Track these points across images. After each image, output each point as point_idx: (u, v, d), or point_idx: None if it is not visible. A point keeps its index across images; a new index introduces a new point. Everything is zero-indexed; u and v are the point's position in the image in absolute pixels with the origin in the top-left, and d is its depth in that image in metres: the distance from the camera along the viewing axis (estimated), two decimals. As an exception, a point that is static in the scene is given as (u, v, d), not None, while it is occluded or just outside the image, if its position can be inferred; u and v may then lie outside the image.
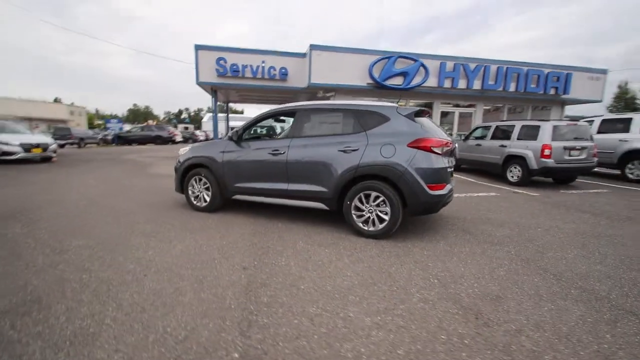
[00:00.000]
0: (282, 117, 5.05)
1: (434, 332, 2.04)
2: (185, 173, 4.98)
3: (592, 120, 9.80)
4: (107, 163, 11.95)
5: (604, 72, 14.76)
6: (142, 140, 25.65)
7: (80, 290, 2.46)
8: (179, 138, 29.17)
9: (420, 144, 3.58)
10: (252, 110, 64.98)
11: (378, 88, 12.45)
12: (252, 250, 3.37)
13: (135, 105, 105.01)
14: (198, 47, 12.27)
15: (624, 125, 9.06)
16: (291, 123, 4.33)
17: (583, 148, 7.65)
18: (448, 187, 3.78)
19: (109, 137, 25.76)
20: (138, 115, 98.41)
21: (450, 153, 3.98)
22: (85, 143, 23.52)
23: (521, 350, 1.89)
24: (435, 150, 3.60)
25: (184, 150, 5.12)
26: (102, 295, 2.40)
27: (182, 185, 5.04)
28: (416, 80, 12.62)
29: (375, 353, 1.83)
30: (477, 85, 13.27)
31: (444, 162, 3.69)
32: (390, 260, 3.18)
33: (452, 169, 4.02)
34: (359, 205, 3.83)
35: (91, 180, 7.75)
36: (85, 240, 3.57)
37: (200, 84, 12.92)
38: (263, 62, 12.44)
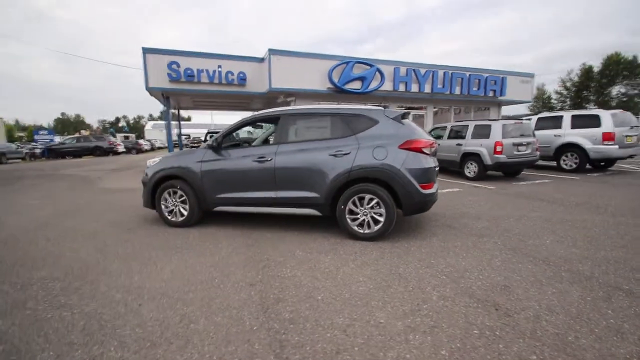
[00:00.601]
0: (259, 123, 4.87)
1: (465, 328, 2.08)
2: (156, 186, 4.55)
3: (530, 119, 10.96)
4: (44, 180, 10.54)
5: (531, 75, 16.65)
6: (79, 153, 23.11)
7: (66, 331, 2.09)
8: (121, 148, 26.81)
9: (411, 146, 3.68)
10: (200, 117, 62.27)
11: (338, 92, 12.66)
12: (250, 265, 3.16)
13: (63, 114, 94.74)
14: (146, 51, 11.40)
15: (557, 122, 10.27)
16: (275, 129, 4.18)
17: (528, 144, 8.52)
18: (435, 185, 3.93)
19: (38, 151, 22.77)
20: (67, 125, 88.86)
21: (434, 153, 4.14)
22: (8, 158, 20.51)
23: (547, 334, 2.00)
24: (425, 150, 3.73)
25: (153, 162, 4.68)
26: (96, 333, 2.07)
27: (152, 199, 4.60)
28: (373, 85, 13.06)
29: (421, 357, 1.80)
30: (427, 88, 14.13)
31: (432, 162, 3.83)
32: (394, 261, 3.20)
33: (438, 168, 4.19)
34: (353, 208, 3.81)
35: (32, 201, 6.74)
36: (50, 269, 3.07)
37: (150, 90, 12.01)
38: (219, 66, 11.95)
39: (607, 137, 9.10)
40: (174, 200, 4.49)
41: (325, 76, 12.42)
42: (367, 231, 3.79)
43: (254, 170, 4.08)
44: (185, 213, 4.44)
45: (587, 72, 48.54)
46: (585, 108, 44.01)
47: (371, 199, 3.73)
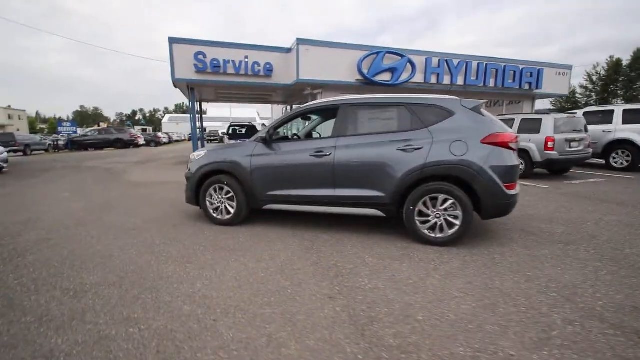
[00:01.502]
0: (311, 115, 4.50)
1: (624, 367, 1.67)
2: (201, 182, 4.25)
3: (575, 113, 10.25)
4: (70, 172, 10.48)
5: (569, 67, 15.72)
6: (100, 145, 23.32)
7: (138, 354, 1.78)
8: (141, 141, 26.97)
9: (496, 140, 3.24)
10: (215, 111, 62.38)
11: (367, 84, 12.15)
12: (320, 272, 2.81)
13: (82, 107, 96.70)
14: (173, 41, 11.14)
15: (606, 117, 9.55)
16: (334, 121, 3.79)
17: (581, 140, 7.89)
18: (518, 186, 3.48)
19: (61, 143, 23.07)
20: (86, 117, 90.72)
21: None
22: (32, 150, 20.82)
23: None
24: (512, 146, 3.28)
25: (198, 155, 4.37)
26: (174, 358, 1.75)
27: (196, 195, 4.30)
28: (404, 77, 12.49)
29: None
30: (460, 80, 13.46)
31: (517, 159, 3.38)
32: (484, 272, 2.79)
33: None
34: (424, 210, 3.41)
35: (64, 193, 6.59)
36: (102, 273, 2.80)
37: (177, 82, 11.77)
38: (246, 57, 11.60)
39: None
40: (220, 196, 4.17)
41: (354, 67, 11.92)
42: (439, 235, 3.39)
43: (310, 166, 3.71)
44: (232, 211, 4.13)
45: (615, 65, 46.27)
46: (612, 103, 42.02)
47: (446, 200, 3.32)
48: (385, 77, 12.31)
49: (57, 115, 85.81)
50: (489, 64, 13.75)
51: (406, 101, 3.58)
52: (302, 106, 4.01)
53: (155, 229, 4.06)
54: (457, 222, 3.32)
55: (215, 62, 11.31)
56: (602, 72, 47.14)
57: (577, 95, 52.06)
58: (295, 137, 4.86)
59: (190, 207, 5.03)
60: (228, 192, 4.12)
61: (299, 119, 4.74)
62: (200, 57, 11.22)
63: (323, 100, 3.97)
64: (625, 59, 45.24)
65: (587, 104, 46.69)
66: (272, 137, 3.99)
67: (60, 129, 24.07)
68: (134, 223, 4.34)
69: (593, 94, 48.16)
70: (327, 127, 6.38)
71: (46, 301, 2.35)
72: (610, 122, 9.45)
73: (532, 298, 2.37)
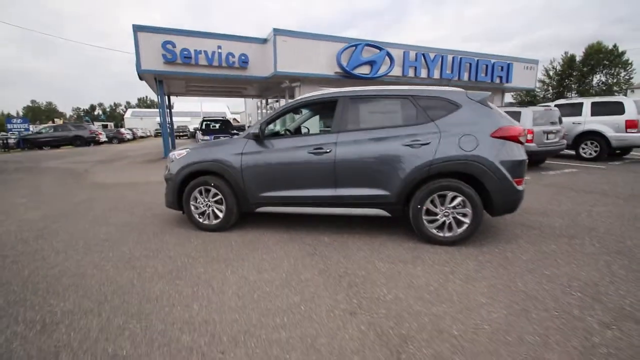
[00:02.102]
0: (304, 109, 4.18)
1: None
2: (184, 184, 3.82)
3: (549, 106, 10.65)
4: (25, 174, 9.43)
5: (536, 62, 16.41)
6: (57, 143, 21.41)
7: (136, 407, 1.43)
8: (103, 138, 25.16)
9: (506, 134, 3.11)
10: (182, 105, 59.67)
11: (346, 77, 11.93)
12: (331, 282, 2.55)
13: (33, 101, 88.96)
14: (138, 29, 10.26)
15: (576, 110, 9.98)
16: (334, 114, 3.51)
17: (557, 131, 8.16)
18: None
19: (12, 141, 20.93)
20: (39, 113, 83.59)
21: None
22: (-24, 150, 18.73)
23: None
24: (521, 139, 3.17)
25: (178, 154, 3.93)
26: (182, 408, 1.42)
27: (179, 199, 3.87)
28: (382, 70, 12.40)
29: None
30: (436, 74, 13.59)
31: (524, 153, 3.28)
32: (503, 274, 2.66)
33: None
34: (432, 208, 3.24)
35: (20, 199, 5.82)
36: (76, 298, 2.36)
37: (143, 73, 10.91)
38: (219, 47, 10.95)
39: (631, 124, 8.87)
40: (206, 200, 3.77)
41: (333, 60, 11.64)
42: (447, 234, 3.24)
43: (309, 164, 3.42)
44: (221, 215, 3.75)
45: (570, 60, 49.29)
46: (567, 97, 44.83)
47: (454, 197, 3.16)
48: (364, 70, 12.16)
49: (5, 112, 78.39)
50: (463, 58, 14.00)
51: (410, 93, 3.37)
52: (297, 99, 3.69)
53: (133, 239, 3.60)
54: (467, 220, 3.18)
55: (185, 53, 10.59)
56: (558, 67, 50.08)
57: (536, 89, 55.18)
58: (288, 132, 4.52)
59: (170, 211, 4.58)
60: (215, 195, 3.74)
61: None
62: (169, 46, 10.46)
63: (320, 92, 3.67)
64: (579, 55, 48.37)
65: (544, 98, 49.47)
66: (265, 133, 3.64)
67: (9, 125, 21.85)
68: (106, 232, 3.84)
69: (550, 88, 51.14)
70: (315, 122, 6.10)
71: (6, 340, 1.90)
72: (579, 114, 9.88)
73: (559, 300, 2.25)
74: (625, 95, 38.57)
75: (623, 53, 45.49)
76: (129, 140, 32.19)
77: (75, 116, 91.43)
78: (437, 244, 3.26)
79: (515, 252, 3.09)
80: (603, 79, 47.10)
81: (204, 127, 15.04)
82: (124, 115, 71.26)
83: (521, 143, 3.20)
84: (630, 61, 44.81)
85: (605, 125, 9.27)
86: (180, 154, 3.90)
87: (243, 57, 11.28)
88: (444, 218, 3.23)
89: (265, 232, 3.78)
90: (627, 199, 5.06)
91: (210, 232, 3.78)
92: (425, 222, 3.27)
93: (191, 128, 35.27)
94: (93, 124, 36.20)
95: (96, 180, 8.09)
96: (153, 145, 22.88)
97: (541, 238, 3.45)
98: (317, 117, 5.33)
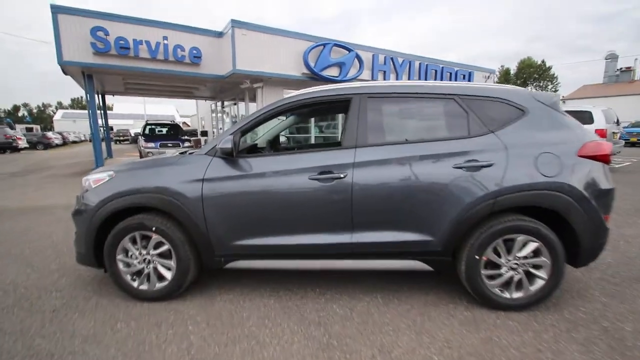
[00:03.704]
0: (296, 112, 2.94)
1: None
2: (106, 226, 2.39)
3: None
4: None
5: (492, 71, 16.83)
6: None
7: None
8: (22, 143, 21.27)
9: (596, 152, 2.20)
10: (123, 107, 54.02)
11: (314, 79, 10.83)
12: None
13: None
14: (57, 10, 8.18)
15: (586, 118, 9.65)
16: (346, 120, 2.35)
17: (618, 132, 8.21)
18: None
19: None
20: (-59, 113, 70.78)
21: None
22: None
23: None
24: (610, 159, 2.29)
25: (95, 181, 2.48)
26: None
27: (97, 251, 2.42)
28: (352, 73, 11.53)
29: None
30: (404, 79, 13.11)
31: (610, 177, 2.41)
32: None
33: None
34: (494, 258, 2.23)
35: None
36: None
37: (65, 66, 8.79)
38: (165, 38, 9.22)
39: (601, 134, 8.93)
40: (144, 252, 2.38)
41: (299, 59, 10.50)
42: (516, 295, 2.24)
43: (312, 196, 2.23)
44: (169, 275, 2.38)
45: (505, 73, 53.86)
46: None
47: (527, 243, 2.18)
48: (333, 72, 11.21)
49: None
50: (429, 64, 13.78)
51: (456, 91, 2.34)
52: (288, 97, 2.47)
53: (10, 325, 2.09)
54: (543, 275, 2.21)
55: (122, 42, 8.73)
56: (496, 80, 54.51)
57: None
58: (271, 146, 3.26)
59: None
60: (159, 245, 2.36)
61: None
62: (100, 33, 8.54)
63: (324, 87, 2.48)
64: (512, 68, 53.07)
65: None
66: (239, 148, 2.36)
67: None
68: (-36, 313, 2.26)
69: (490, 98, 55.33)
70: (300, 130, 4.87)
71: None
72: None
73: None
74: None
75: (550, 68, 50.79)
76: (57, 145, 27.91)
77: (-10, 117, 78.97)
78: (501, 309, 2.25)
79: (612, 319, 2.17)
80: (534, 91, 52.29)
81: (147, 131, 12.82)
82: (54, 117, 62.96)
83: (609, 164, 2.32)
84: (555, 75, 50.04)
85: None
86: (99, 179, 2.45)
87: (195, 52, 9.66)
88: (511, 272, 2.23)
89: (240, 295, 2.49)
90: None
91: (151, 302, 2.39)
92: (484, 278, 2.24)
93: (133, 132, 31.71)
94: (14, 127, 30.90)
95: (-9, 203, 6.01)
96: (86, 152, 19.72)
97: (619, 292, 2.60)
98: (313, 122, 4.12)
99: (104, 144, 13.86)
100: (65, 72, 9.95)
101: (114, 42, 8.70)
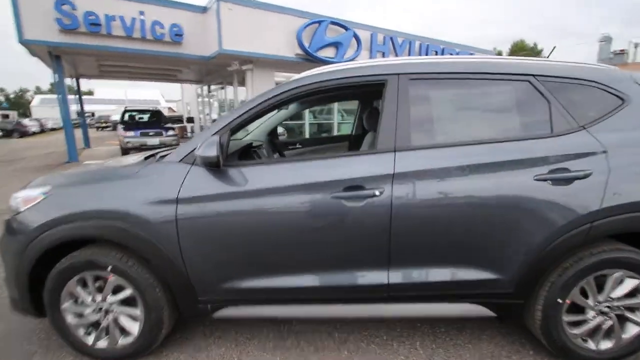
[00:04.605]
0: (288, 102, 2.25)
1: None
2: (44, 264, 1.70)
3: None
4: None
5: (491, 53, 16.16)
6: None
7: None
8: (-7, 132, 19.85)
9: None
10: (106, 92, 51.51)
11: (309, 61, 9.98)
12: None
13: None
14: (13, -21, 7.11)
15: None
16: (381, 111, 1.68)
17: None
18: None
19: None
20: None
21: None
22: None
23: None
24: None
25: (25, 199, 1.76)
26: None
27: (34, 295, 1.74)
28: (349, 53, 10.71)
29: None
30: (403, 61, 12.36)
31: None
32: None
33: None
34: (579, 301, 1.64)
35: None
36: None
37: (27, 45, 7.76)
38: (142, 13, 8.20)
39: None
40: (98, 298, 1.72)
41: (293, 38, 9.60)
42: (605, 346, 1.69)
43: (335, 220, 1.59)
44: (136, 330, 1.73)
45: (498, 55, 53.46)
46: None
47: (623, 279, 1.60)
48: (329, 52, 10.37)
49: None
50: (430, 45, 13.03)
51: (532, 71, 1.68)
52: (296, 80, 1.76)
53: None
54: (638, 319, 1.65)
55: (91, 18, 7.72)
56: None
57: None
58: (273, 146, 2.55)
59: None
60: (120, 289, 1.70)
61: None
62: (66, 7, 7.50)
63: (346, 66, 1.79)
64: (505, 51, 52.57)
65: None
66: (228, 152, 1.68)
67: None
68: None
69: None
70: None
71: None
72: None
73: None
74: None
75: (541, 51, 50.54)
76: (34, 133, 26.32)
77: (-37, 103, 74.80)
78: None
79: None
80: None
81: (127, 118, 11.73)
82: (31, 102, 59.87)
83: None
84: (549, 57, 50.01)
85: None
86: (30, 199, 1.74)
87: (176, 29, 8.67)
88: (600, 317, 1.66)
89: (235, 347, 1.86)
90: None
91: (111, 364, 1.75)
92: (565, 326, 1.66)
93: (115, 118, 30.23)
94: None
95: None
96: (64, 140, 18.48)
97: None
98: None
99: (81, 135, 12.83)
100: (31, 53, 8.89)
101: (82, 18, 7.67)
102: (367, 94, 2.81)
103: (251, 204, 1.60)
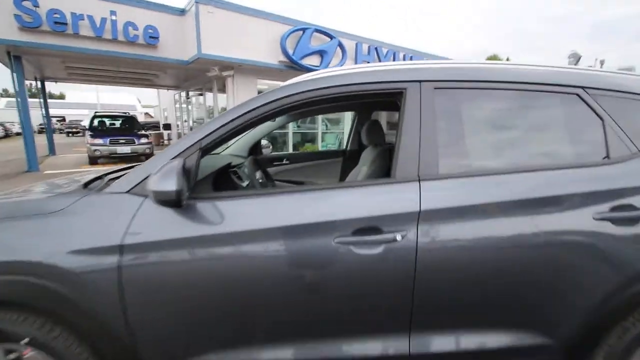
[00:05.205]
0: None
1: None
2: None
3: None
4: None
5: (474, 66, 16.51)
6: None
7: None
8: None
9: None
10: (78, 95, 49.17)
11: (293, 69, 9.67)
12: None
13: None
14: (-36, -31, 6.41)
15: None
16: (399, 127, 1.31)
17: None
18: None
19: None
20: None
21: None
22: None
23: None
24: None
25: None
26: None
27: None
28: (334, 62, 10.48)
29: None
30: (388, 71, 12.30)
31: None
32: None
33: None
34: (640, 366, 1.32)
35: None
36: None
37: (-20, 42, 7.02)
38: (113, 12, 7.63)
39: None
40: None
41: (276, 45, 9.28)
42: None
43: (339, 273, 1.20)
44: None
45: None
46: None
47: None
48: (314, 61, 10.10)
49: None
50: (414, 56, 13.02)
51: (582, 83, 1.36)
52: (290, 86, 1.37)
53: None
54: None
55: (56, 16, 7.08)
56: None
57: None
58: (256, 167, 2.10)
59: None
60: (41, 364, 1.22)
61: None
62: (27, 4, 6.85)
63: (357, 69, 1.42)
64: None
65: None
66: (196, 178, 1.26)
67: None
68: None
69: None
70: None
71: None
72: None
73: None
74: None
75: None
76: (-3, 138, 24.50)
77: None
78: None
79: None
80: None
81: (96, 124, 10.86)
82: (-6, 105, 56.31)
83: None
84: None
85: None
86: None
87: (151, 31, 8.13)
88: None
89: None
90: None
91: None
92: (624, 401, 1.33)
93: (85, 124, 28.73)
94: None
95: None
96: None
97: None
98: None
99: (43, 139, 11.87)
100: (-15, 52, 8.08)
101: (45, 16, 7.02)
102: (366, 104, 2.46)
103: (227, 252, 1.17)
